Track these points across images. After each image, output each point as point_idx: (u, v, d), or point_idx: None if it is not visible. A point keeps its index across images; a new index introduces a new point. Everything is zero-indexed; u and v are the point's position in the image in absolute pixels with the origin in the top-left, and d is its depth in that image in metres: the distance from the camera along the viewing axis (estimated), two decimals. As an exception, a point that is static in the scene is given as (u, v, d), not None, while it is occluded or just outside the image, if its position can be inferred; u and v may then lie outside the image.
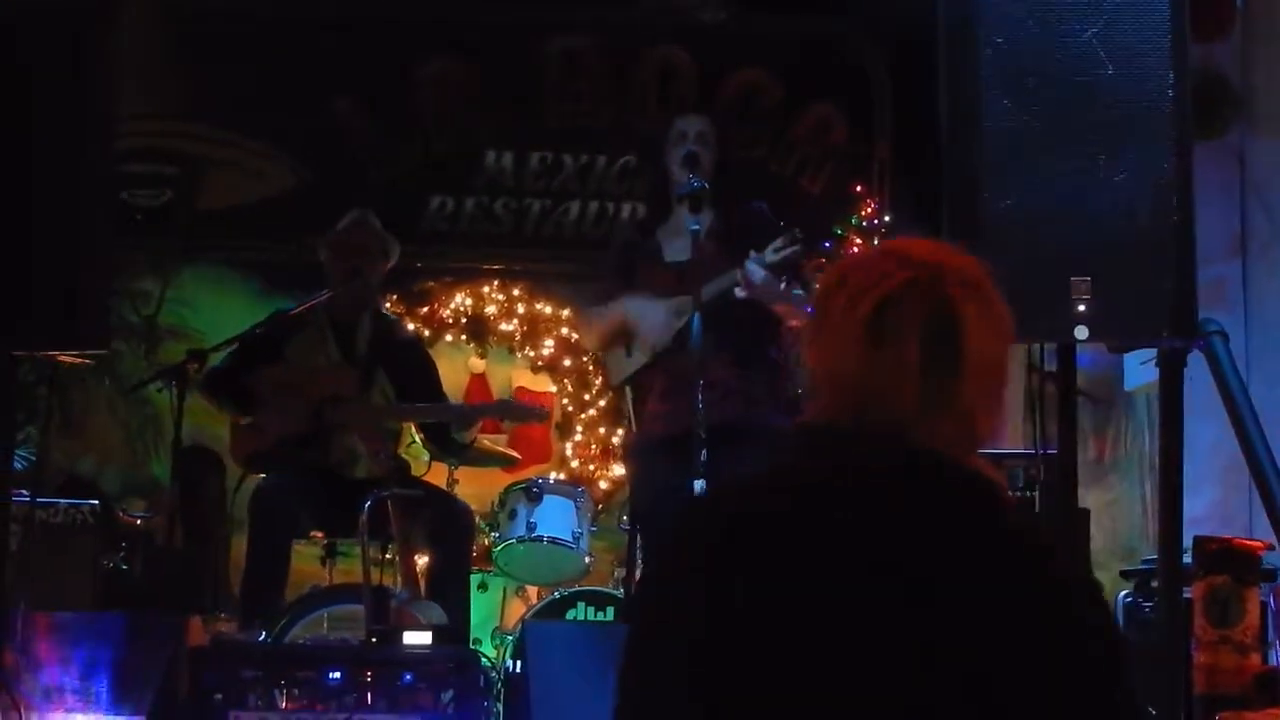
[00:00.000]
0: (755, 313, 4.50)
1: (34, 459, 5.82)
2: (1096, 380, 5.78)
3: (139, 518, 6.08)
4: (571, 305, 7.00)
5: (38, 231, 3.52)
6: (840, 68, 7.71)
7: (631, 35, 7.70)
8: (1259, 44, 5.61)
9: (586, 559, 5.51)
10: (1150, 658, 3.47)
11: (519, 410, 5.62)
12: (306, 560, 5.40)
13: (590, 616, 5.37)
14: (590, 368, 7.37)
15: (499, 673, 4.85)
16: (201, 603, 5.25)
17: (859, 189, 7.18)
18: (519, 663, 4.63)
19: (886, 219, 6.99)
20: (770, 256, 4.42)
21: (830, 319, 1.71)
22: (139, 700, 4.08)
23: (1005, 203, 3.17)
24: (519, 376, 7.54)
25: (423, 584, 4.96)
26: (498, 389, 7.37)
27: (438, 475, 5.68)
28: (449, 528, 5.11)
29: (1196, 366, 3.52)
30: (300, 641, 4.86)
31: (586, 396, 7.51)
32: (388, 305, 6.10)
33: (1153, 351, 3.46)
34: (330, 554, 5.31)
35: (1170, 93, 3.17)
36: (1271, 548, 3.71)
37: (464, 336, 7.50)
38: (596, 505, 6.11)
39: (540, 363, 7.55)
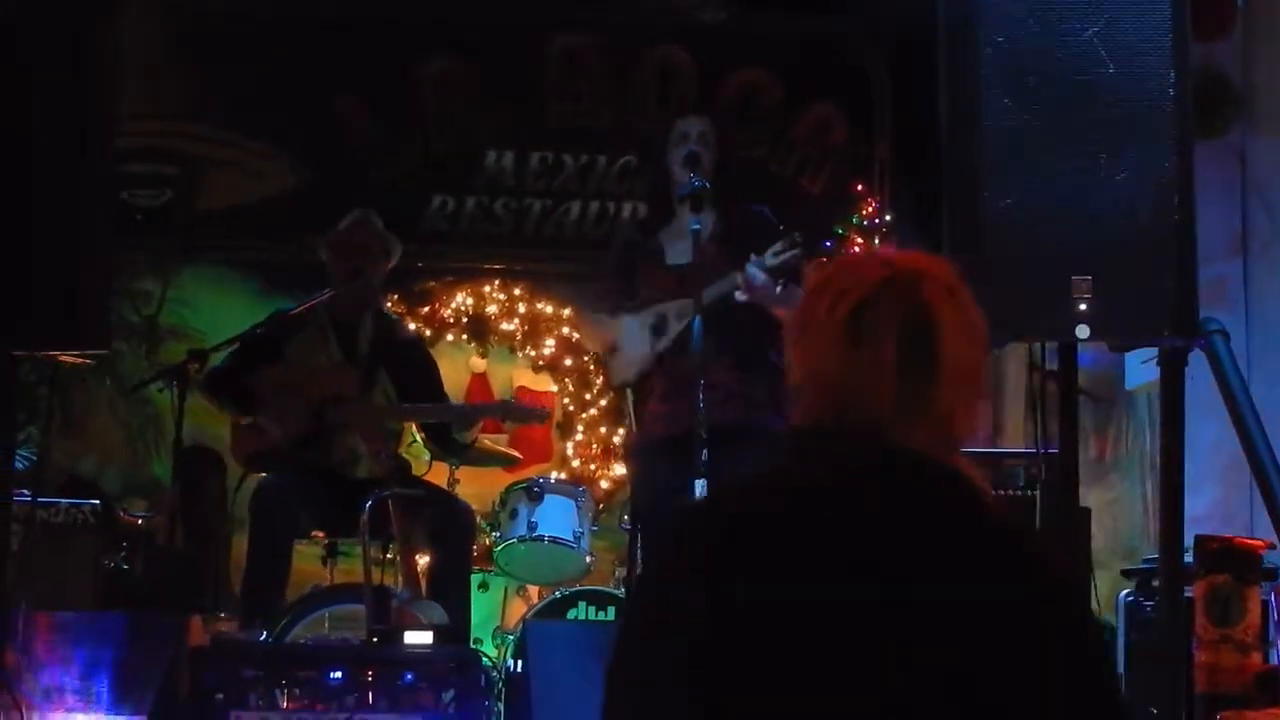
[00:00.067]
0: (756, 316, 4.51)
1: (35, 459, 5.82)
2: (1097, 379, 5.78)
3: (140, 517, 6.09)
4: (572, 305, 7.01)
5: (38, 231, 3.52)
6: (840, 67, 7.71)
7: (631, 35, 7.70)
8: (1260, 43, 5.60)
9: (587, 558, 5.51)
10: (1151, 657, 3.48)
11: (520, 411, 5.62)
12: (307, 560, 5.40)
13: (591, 616, 5.36)
14: (591, 367, 7.38)
15: (500, 672, 4.86)
16: (202, 602, 5.25)
17: (859, 189, 7.18)
18: (520, 662, 4.64)
19: (887, 218, 6.99)
20: (770, 260, 4.43)
21: (813, 321, 1.73)
22: (140, 700, 4.08)
23: (1006, 202, 3.17)
24: (520, 376, 7.54)
25: (424, 584, 4.96)
26: (499, 389, 7.37)
27: (439, 475, 5.68)
28: (450, 527, 5.11)
29: (1197, 365, 3.53)
30: (301, 641, 4.86)
31: (587, 396, 7.52)
32: (388, 305, 6.10)
33: (1154, 350, 3.46)
34: (331, 554, 5.31)
35: (1171, 91, 3.17)
36: (1273, 546, 3.71)
37: (465, 336, 7.50)
38: (597, 505, 6.11)
39: (541, 362, 7.55)
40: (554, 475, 6.56)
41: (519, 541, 5.45)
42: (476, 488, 5.84)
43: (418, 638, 4.26)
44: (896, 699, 1.50)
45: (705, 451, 4.11)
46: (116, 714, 4.08)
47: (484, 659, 4.46)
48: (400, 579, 4.91)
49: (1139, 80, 3.18)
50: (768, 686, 1.55)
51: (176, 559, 5.51)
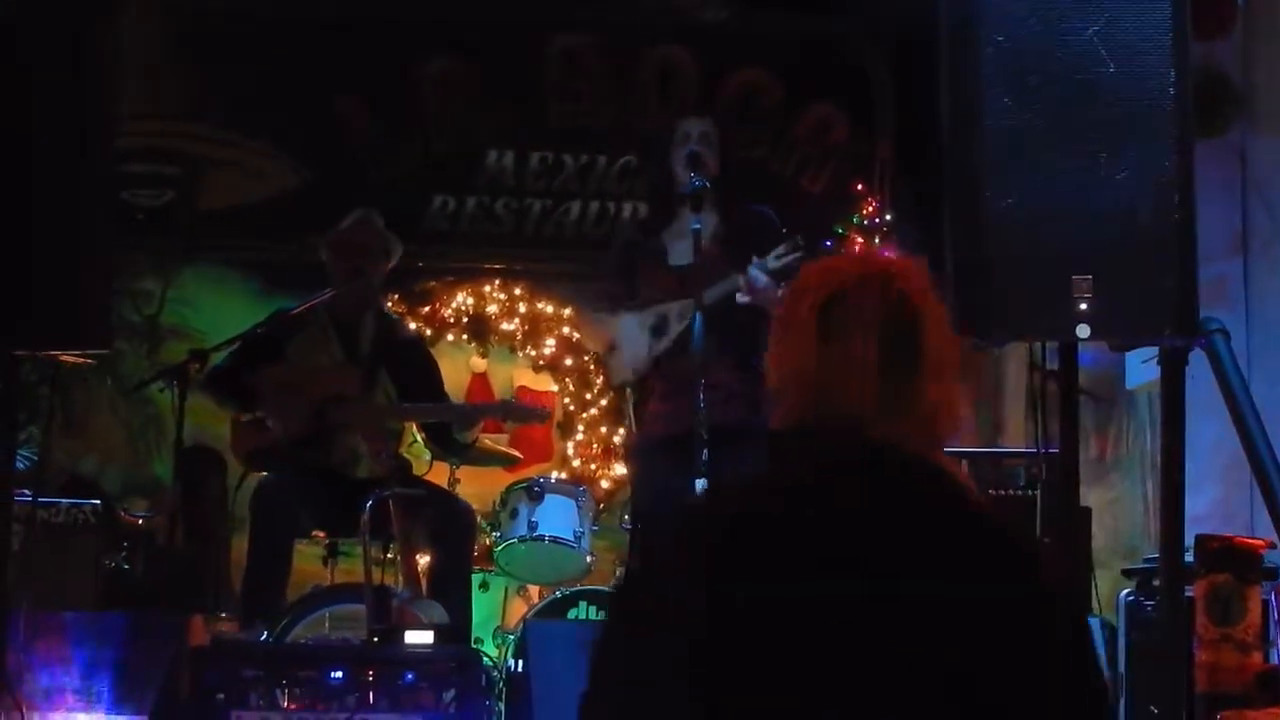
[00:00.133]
0: (757, 317, 4.51)
1: (36, 459, 5.81)
2: (1098, 379, 5.78)
3: (141, 517, 6.09)
4: (573, 305, 7.00)
5: (38, 231, 3.52)
6: (840, 67, 7.71)
7: (632, 35, 7.70)
8: (1260, 42, 5.60)
9: (588, 558, 5.50)
10: (1152, 656, 3.48)
11: (521, 411, 5.62)
12: (308, 560, 5.40)
13: (592, 616, 5.36)
14: (591, 367, 7.37)
15: (500, 672, 4.85)
16: (203, 602, 5.25)
17: (860, 188, 7.18)
18: (520, 662, 4.64)
19: (887, 218, 6.98)
20: (772, 263, 4.44)
21: (792, 321, 1.74)
22: (141, 700, 4.08)
23: (1006, 201, 3.17)
24: (520, 376, 7.54)
25: (424, 583, 4.96)
26: (499, 388, 7.37)
27: (439, 475, 5.68)
28: (450, 527, 5.11)
29: (1198, 365, 3.52)
30: (302, 641, 4.86)
31: (588, 396, 7.51)
32: (389, 305, 6.10)
33: (1154, 350, 3.46)
34: (332, 553, 5.31)
35: (1171, 91, 3.17)
36: (1273, 546, 3.71)
37: (465, 336, 7.50)
38: (598, 504, 6.11)
39: (541, 362, 7.55)
40: (554, 475, 6.56)
41: (519, 541, 5.45)
42: (477, 487, 5.84)
43: (418, 637, 4.26)
44: (897, 699, 1.50)
45: (706, 451, 4.12)
46: (117, 714, 4.08)
47: (485, 659, 4.47)
48: (401, 579, 4.91)
49: (1139, 79, 3.18)
50: (768, 687, 1.55)
51: (177, 559, 5.51)
